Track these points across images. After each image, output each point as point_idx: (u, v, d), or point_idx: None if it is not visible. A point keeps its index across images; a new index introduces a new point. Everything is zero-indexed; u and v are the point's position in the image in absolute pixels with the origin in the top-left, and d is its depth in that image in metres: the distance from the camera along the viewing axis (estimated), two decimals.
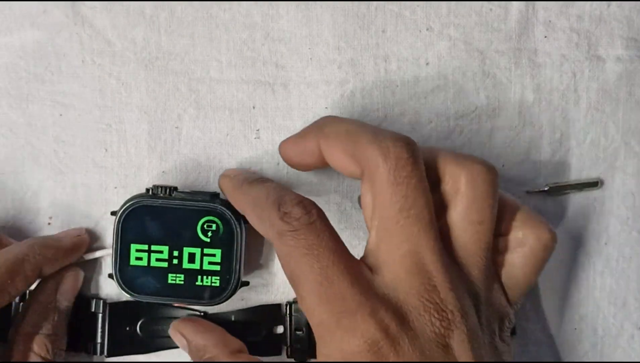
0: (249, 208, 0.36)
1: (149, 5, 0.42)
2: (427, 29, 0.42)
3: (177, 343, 0.40)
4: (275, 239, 0.32)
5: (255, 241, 0.42)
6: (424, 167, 0.33)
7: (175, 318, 0.42)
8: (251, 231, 0.38)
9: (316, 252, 0.30)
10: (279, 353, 0.43)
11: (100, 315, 0.42)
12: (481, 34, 0.42)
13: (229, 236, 0.39)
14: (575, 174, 0.43)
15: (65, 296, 0.40)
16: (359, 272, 0.31)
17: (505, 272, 0.36)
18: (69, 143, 0.42)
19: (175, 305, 0.42)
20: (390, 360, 0.29)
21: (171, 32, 0.42)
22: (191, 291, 0.40)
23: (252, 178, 0.37)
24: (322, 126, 0.36)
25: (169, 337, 0.42)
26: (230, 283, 0.40)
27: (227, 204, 0.39)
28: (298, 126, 0.42)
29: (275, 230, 0.32)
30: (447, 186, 0.34)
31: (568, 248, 0.43)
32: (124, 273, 0.40)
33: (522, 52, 0.42)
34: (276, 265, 0.43)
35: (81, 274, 0.41)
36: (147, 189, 0.40)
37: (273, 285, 0.43)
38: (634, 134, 0.43)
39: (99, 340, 0.42)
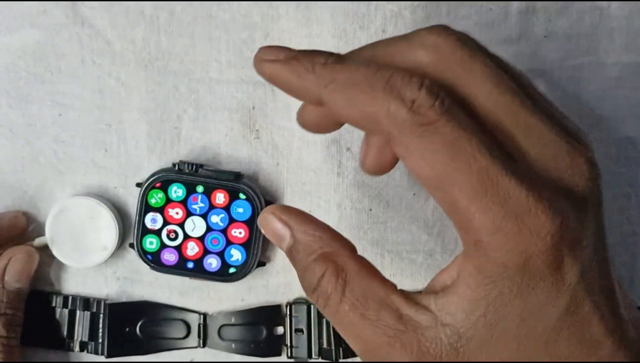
0: (338, 97, 0.25)
1: (148, 6, 0.42)
2: None
3: (270, 236, 0.30)
4: (404, 137, 0.25)
5: None
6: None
7: (175, 320, 0.42)
8: None
9: (468, 148, 0.24)
10: (279, 353, 0.43)
11: (100, 316, 0.42)
12: (481, 34, 0.42)
13: (250, 216, 0.40)
14: None
15: (14, 277, 0.40)
16: (513, 165, 0.25)
17: None
18: (68, 143, 0.42)
19: (191, 278, 0.42)
20: (577, 253, 0.25)
21: (171, 32, 0.42)
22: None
23: (323, 58, 0.26)
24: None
25: (169, 337, 0.42)
26: (249, 261, 0.41)
27: (250, 185, 0.41)
28: (297, 126, 0.42)
29: (399, 124, 0.24)
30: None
31: None
32: (145, 244, 0.41)
33: (522, 52, 0.42)
34: (276, 265, 0.43)
35: (35, 256, 0.41)
36: (174, 164, 0.41)
37: (273, 286, 0.43)
38: (633, 135, 0.43)
39: (99, 341, 0.42)
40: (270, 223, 0.30)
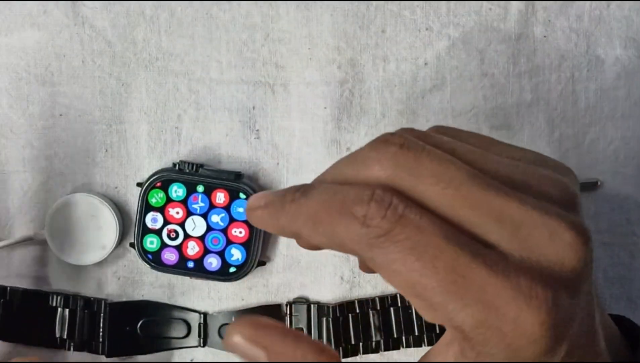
0: (307, 230, 0.26)
1: (149, 6, 0.42)
2: (427, 29, 0.42)
3: (242, 356, 0.26)
4: (367, 252, 0.24)
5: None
6: None
7: (176, 319, 0.43)
8: None
9: (430, 248, 0.23)
10: None
11: (100, 315, 0.42)
12: (480, 33, 0.42)
13: None
14: None
15: None
16: (484, 252, 0.24)
17: None
18: (69, 143, 0.42)
19: (191, 277, 0.42)
20: (566, 333, 0.24)
21: (171, 32, 0.42)
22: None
23: (290, 194, 0.26)
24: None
25: (169, 337, 0.42)
26: (249, 261, 0.41)
27: (250, 185, 0.41)
28: (297, 126, 0.42)
29: (356, 241, 0.24)
30: None
31: None
32: (145, 244, 0.41)
33: (521, 52, 0.42)
34: (276, 265, 0.43)
35: None
36: (174, 164, 0.41)
37: (273, 285, 0.43)
38: (632, 135, 0.43)
39: (99, 340, 0.42)
40: (240, 347, 0.25)
